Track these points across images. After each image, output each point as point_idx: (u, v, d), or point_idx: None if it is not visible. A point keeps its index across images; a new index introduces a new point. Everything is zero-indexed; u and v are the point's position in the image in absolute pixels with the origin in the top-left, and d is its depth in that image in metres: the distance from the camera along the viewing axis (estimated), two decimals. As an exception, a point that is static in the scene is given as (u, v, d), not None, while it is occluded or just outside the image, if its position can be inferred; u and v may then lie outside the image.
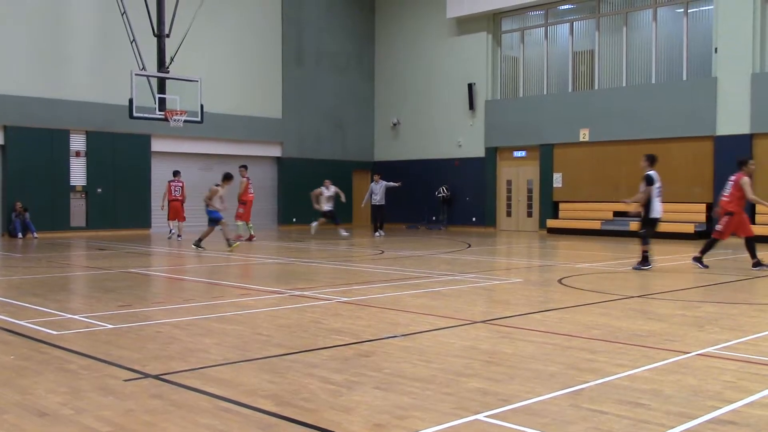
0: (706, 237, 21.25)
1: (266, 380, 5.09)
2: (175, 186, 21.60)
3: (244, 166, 20.85)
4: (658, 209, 12.77)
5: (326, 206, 22.15)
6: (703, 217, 21.77)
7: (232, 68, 26.38)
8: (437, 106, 28.37)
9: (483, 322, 7.46)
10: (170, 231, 21.51)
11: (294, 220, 27.88)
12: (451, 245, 19.07)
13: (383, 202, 23.53)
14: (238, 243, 17.26)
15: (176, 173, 21.99)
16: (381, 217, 23.69)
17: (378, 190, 23.48)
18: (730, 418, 4.25)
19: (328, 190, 22.34)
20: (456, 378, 5.12)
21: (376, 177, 24.15)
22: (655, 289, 10.03)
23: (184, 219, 21.64)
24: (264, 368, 5.46)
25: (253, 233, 20.35)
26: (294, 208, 27.93)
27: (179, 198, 21.49)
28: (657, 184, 12.75)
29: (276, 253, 17.12)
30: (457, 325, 7.26)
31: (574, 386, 4.90)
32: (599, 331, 6.91)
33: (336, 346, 6.22)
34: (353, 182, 29.76)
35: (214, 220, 16.95)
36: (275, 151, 28.02)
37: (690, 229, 21.58)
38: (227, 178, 17.56)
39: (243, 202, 20.14)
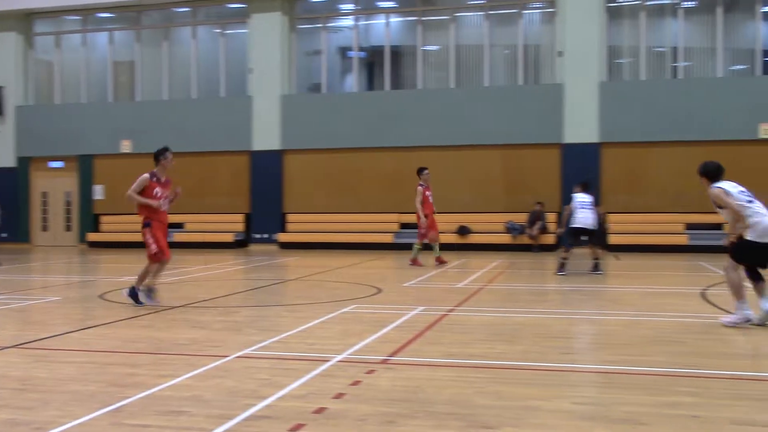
0: (244, 245, 22.75)
1: None
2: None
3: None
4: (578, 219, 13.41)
5: None
6: (242, 227, 23.02)
7: None
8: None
9: (14, 346, 6.82)
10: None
11: None
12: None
13: None
14: None
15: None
16: None
17: None
18: (265, 413, 4.56)
19: None
20: (-20, 412, 4.59)
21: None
22: (197, 298, 10.30)
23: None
24: None
25: None
26: None
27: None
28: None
29: None
30: (-17, 353, 6.52)
31: (114, 404, 4.76)
32: (143, 344, 6.84)
33: None
34: None
35: None
36: None
37: (230, 238, 22.65)
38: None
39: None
